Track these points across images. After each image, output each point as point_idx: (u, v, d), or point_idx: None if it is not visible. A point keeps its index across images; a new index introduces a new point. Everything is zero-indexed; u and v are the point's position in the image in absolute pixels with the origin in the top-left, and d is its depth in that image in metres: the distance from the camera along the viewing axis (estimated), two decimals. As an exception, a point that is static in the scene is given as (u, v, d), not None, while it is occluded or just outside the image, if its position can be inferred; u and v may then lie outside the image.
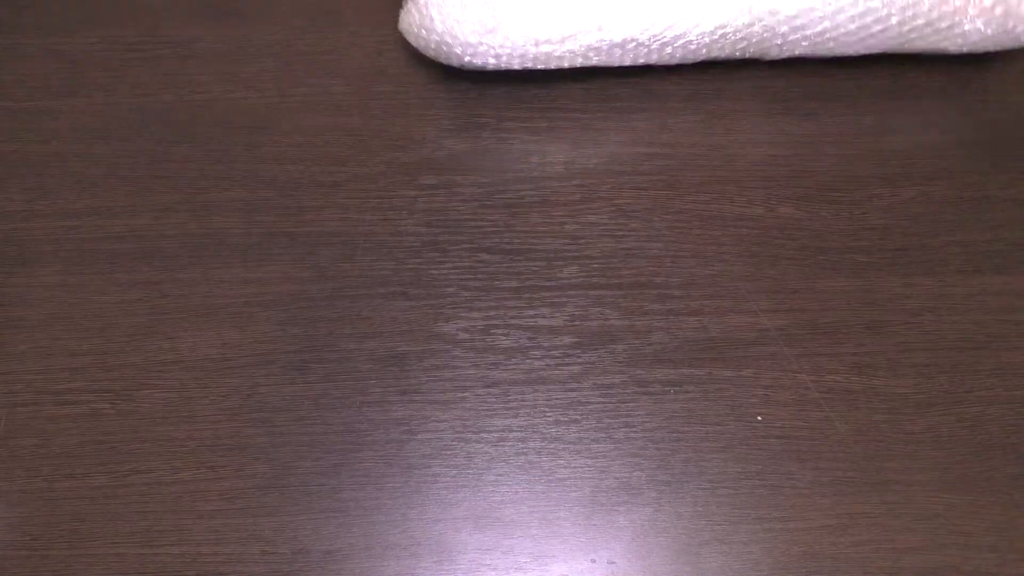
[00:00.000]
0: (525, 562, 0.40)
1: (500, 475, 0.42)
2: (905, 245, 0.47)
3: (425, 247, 0.47)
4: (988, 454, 0.43)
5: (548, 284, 0.46)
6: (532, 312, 0.45)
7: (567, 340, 0.45)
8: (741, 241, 0.47)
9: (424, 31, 0.49)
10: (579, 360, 0.44)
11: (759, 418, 0.43)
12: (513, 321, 0.45)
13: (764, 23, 0.48)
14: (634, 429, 0.43)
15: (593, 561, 0.40)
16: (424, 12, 0.48)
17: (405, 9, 0.49)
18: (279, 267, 0.46)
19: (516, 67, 0.49)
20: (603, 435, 0.43)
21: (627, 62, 0.50)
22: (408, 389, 0.43)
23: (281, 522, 0.40)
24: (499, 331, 0.45)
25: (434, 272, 0.46)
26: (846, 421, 0.43)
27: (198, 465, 0.42)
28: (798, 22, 0.48)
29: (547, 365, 0.44)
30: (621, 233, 0.47)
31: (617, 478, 0.42)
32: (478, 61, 0.49)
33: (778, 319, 0.45)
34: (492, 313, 0.45)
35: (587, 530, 0.41)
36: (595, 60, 0.49)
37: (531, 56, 0.49)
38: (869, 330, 0.45)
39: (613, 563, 0.40)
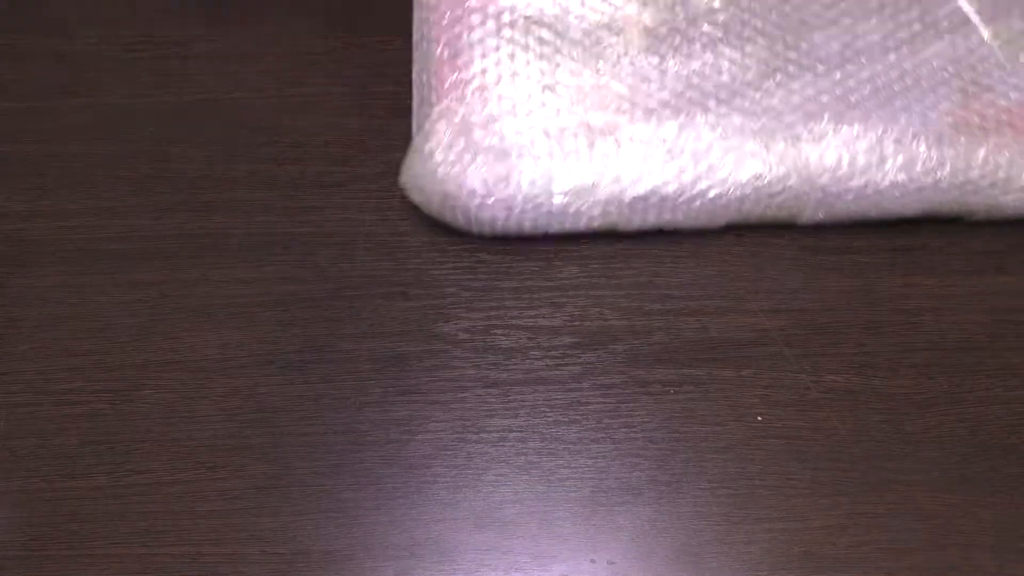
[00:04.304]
0: (525, 562, 0.40)
1: (500, 475, 0.42)
2: (905, 245, 0.47)
3: (425, 247, 0.47)
4: (988, 454, 0.43)
5: (548, 284, 0.46)
6: (532, 312, 0.45)
7: (567, 340, 0.45)
8: (741, 242, 0.47)
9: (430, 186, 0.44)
10: (579, 360, 0.44)
11: (759, 418, 0.43)
12: (513, 321, 0.45)
13: (800, 177, 0.44)
14: (634, 429, 0.43)
15: (593, 561, 0.40)
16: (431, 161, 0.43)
17: (408, 156, 0.45)
18: (279, 267, 0.46)
19: (529, 229, 0.45)
20: (603, 435, 0.43)
21: (650, 220, 0.45)
22: (408, 389, 0.43)
23: (281, 522, 0.40)
24: (499, 331, 0.45)
25: (434, 272, 0.46)
26: (846, 421, 0.43)
27: (198, 465, 0.41)
28: (840, 174, 0.44)
29: (547, 365, 0.44)
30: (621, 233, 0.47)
31: (617, 478, 0.42)
32: (486, 219, 0.44)
33: (778, 319, 0.45)
34: (492, 313, 0.45)
35: (587, 530, 0.41)
36: (615, 217, 0.44)
37: (545, 212, 0.44)
38: (869, 330, 0.45)
39: (613, 563, 0.40)
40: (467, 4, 0.46)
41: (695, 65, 0.44)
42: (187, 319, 0.45)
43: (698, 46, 0.45)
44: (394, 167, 0.49)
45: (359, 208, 0.48)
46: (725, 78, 0.44)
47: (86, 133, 0.50)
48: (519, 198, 0.43)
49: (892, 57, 0.45)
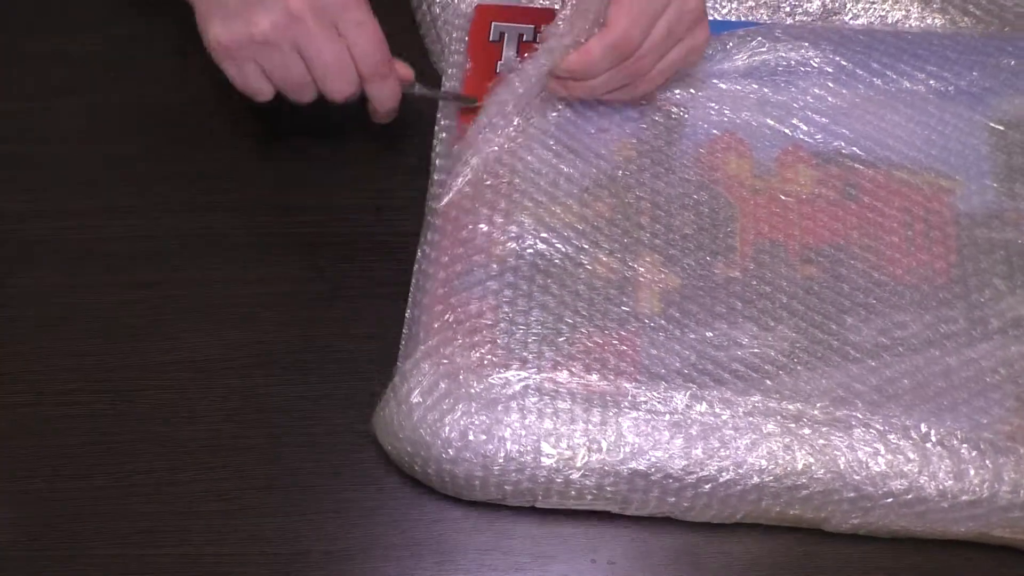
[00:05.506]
0: (525, 562, 0.40)
1: (500, 475, 0.42)
2: None
3: (425, 247, 0.47)
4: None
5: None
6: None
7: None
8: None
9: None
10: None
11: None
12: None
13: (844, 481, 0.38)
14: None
15: (593, 561, 0.40)
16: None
17: (383, 398, 0.41)
18: (279, 267, 0.46)
19: (510, 496, 0.40)
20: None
21: (652, 503, 0.39)
22: (408, 389, 0.43)
23: (281, 522, 0.40)
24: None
25: (434, 272, 0.46)
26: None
27: (198, 465, 0.41)
28: (876, 472, 0.38)
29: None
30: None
31: (617, 478, 0.42)
32: (461, 476, 0.39)
33: None
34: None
35: (587, 530, 0.41)
36: (611, 492, 0.39)
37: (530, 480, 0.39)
38: None
39: (613, 563, 0.40)
40: (473, 241, 0.42)
41: (711, 334, 0.41)
42: (187, 319, 0.45)
43: (717, 316, 0.41)
44: (394, 167, 0.49)
45: (359, 208, 0.48)
46: (745, 353, 0.40)
47: (86, 133, 0.50)
48: (500, 456, 0.38)
49: (935, 352, 0.41)
